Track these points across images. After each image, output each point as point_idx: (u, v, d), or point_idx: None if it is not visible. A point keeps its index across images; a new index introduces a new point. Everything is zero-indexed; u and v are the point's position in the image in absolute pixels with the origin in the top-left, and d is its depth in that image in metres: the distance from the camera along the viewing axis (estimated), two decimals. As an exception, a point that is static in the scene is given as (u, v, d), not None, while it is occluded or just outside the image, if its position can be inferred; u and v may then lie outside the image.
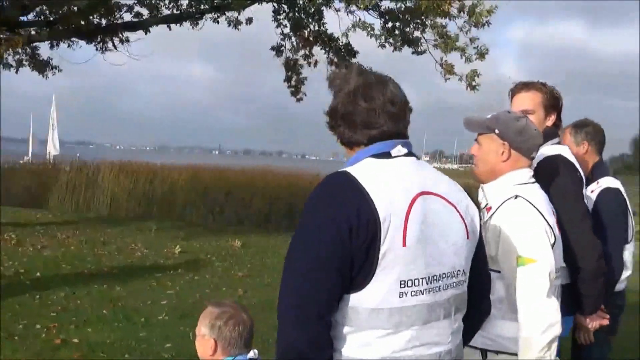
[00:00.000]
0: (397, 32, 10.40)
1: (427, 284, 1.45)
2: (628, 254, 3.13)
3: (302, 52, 11.51)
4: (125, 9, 10.42)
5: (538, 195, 2.08)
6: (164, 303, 6.14)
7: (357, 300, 1.41)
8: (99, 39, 11.32)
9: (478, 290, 1.63)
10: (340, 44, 10.78)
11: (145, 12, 10.66)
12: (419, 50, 10.50)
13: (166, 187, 14.87)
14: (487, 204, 2.15)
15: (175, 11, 10.71)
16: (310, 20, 10.94)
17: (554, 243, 2.00)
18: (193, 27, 10.87)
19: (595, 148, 3.16)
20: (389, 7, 10.25)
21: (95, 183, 14.43)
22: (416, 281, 1.43)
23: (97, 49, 11.64)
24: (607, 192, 3.02)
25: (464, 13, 8.91)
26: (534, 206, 2.01)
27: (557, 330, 1.90)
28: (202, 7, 10.67)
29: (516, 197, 2.03)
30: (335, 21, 10.39)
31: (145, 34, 10.59)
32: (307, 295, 1.38)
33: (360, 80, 1.54)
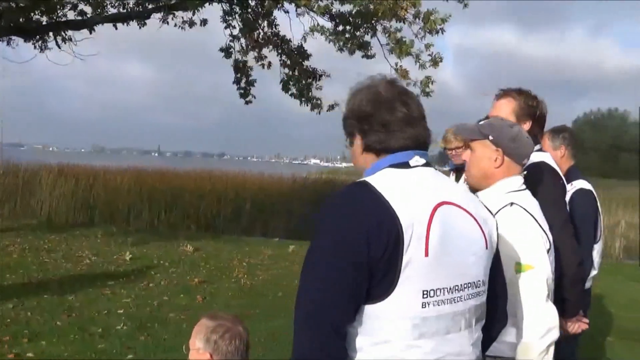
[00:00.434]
0: (347, 35, 10.51)
1: (449, 293, 1.45)
2: (596, 253, 3.28)
3: (252, 54, 11.44)
4: (69, 7, 9.98)
5: (531, 202, 2.11)
6: (121, 312, 5.91)
7: (378, 311, 1.40)
8: (37, 38, 10.85)
9: (495, 300, 1.65)
10: (293, 46, 10.77)
11: (89, 10, 10.27)
12: (369, 54, 10.66)
13: (109, 190, 14.37)
14: None
15: (121, 10, 10.37)
16: (261, 22, 10.86)
17: (549, 249, 2.05)
18: (140, 27, 10.55)
19: (571, 152, 3.31)
20: (340, 10, 10.33)
21: (32, 187, 13.76)
22: (438, 291, 1.43)
23: (35, 47, 11.17)
24: (580, 192, 3.17)
25: (419, 19, 9.09)
26: (530, 213, 2.05)
27: (555, 334, 1.95)
28: (149, 6, 10.39)
29: (511, 204, 2.06)
30: (288, 23, 10.38)
31: (90, 32, 10.19)
32: (323, 306, 1.36)
33: (396, 89, 1.58)
